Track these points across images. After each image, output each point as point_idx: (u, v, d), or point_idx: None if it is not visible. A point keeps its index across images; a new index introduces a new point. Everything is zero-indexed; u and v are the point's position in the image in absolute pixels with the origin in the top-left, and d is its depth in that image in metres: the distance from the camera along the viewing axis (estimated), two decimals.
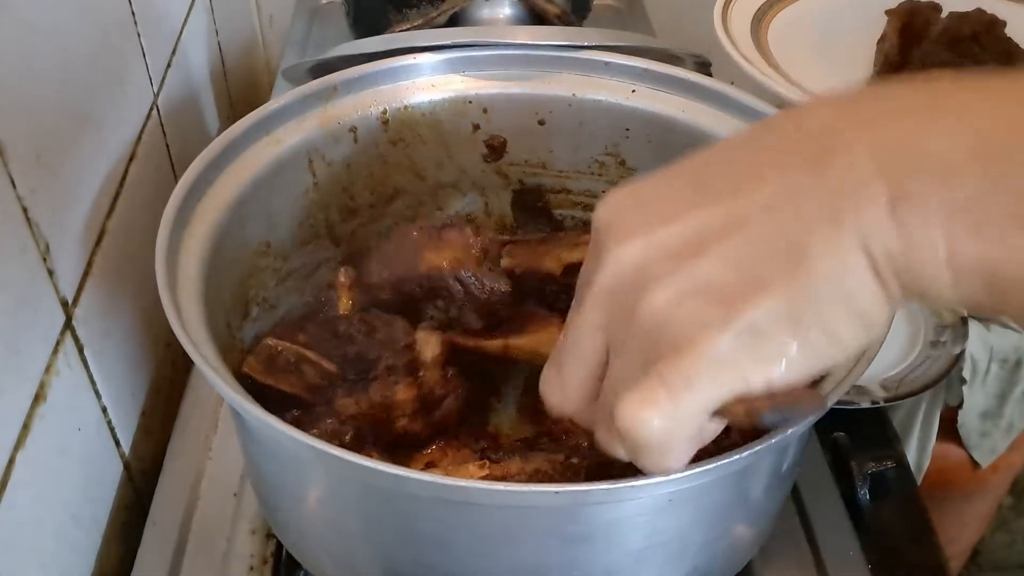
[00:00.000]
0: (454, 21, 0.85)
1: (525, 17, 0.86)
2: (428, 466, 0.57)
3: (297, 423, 0.46)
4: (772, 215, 0.31)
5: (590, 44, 0.66)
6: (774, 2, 0.89)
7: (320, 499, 0.49)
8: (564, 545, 0.44)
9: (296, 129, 0.62)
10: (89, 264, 0.61)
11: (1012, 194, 0.27)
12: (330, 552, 0.51)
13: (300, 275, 0.66)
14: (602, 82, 0.66)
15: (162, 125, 0.77)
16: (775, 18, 0.89)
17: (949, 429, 0.95)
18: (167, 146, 0.78)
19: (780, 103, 0.79)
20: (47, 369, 0.54)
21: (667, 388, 0.32)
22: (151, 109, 0.75)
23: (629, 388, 0.33)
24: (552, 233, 0.72)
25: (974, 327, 0.89)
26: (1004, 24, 0.74)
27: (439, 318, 0.62)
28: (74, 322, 0.58)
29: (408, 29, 0.83)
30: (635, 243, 0.33)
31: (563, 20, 0.87)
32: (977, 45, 0.73)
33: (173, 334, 0.45)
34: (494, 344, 0.60)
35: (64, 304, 0.57)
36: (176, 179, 0.54)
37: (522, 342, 0.59)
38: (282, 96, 0.61)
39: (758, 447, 0.40)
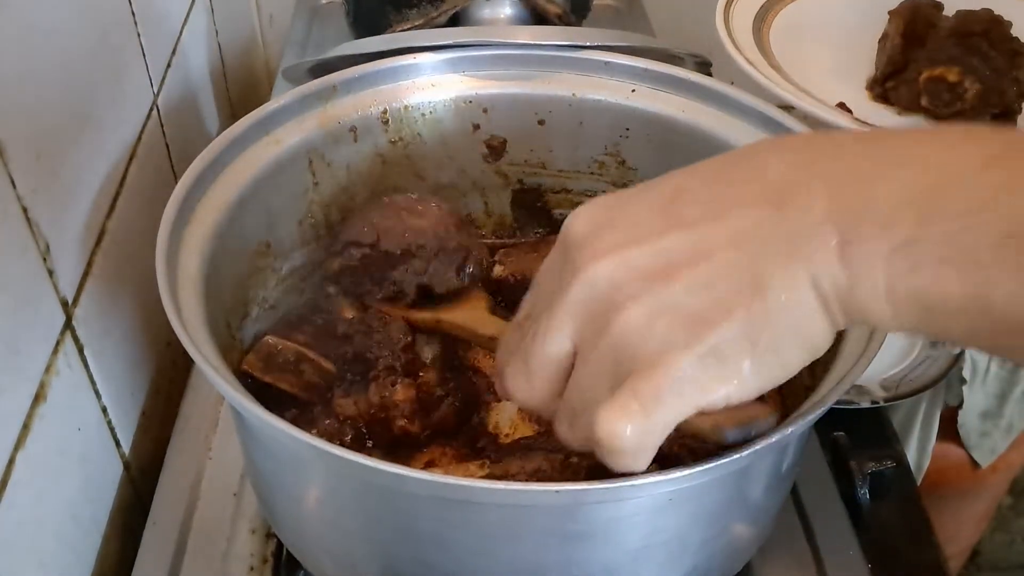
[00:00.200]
0: (454, 21, 0.85)
1: (525, 17, 0.86)
2: (428, 465, 0.57)
3: (296, 422, 0.46)
4: (736, 249, 0.35)
5: (590, 44, 0.66)
6: (776, 1, 0.89)
7: (320, 498, 0.49)
8: (564, 544, 0.44)
9: (296, 129, 0.62)
10: (89, 264, 0.61)
11: (938, 241, 0.32)
12: (330, 551, 0.51)
13: (300, 275, 0.66)
14: (602, 82, 0.66)
15: (162, 125, 0.77)
16: (777, 17, 0.88)
17: (949, 429, 0.95)
18: (167, 146, 0.78)
19: (781, 104, 0.79)
20: (47, 369, 0.54)
21: (640, 402, 0.35)
22: (151, 109, 0.75)
23: (602, 400, 0.37)
24: (544, 237, 0.72)
25: None
26: (1010, 24, 0.75)
27: (410, 282, 0.61)
28: (74, 322, 0.58)
29: (408, 29, 0.83)
30: (609, 261, 0.36)
31: (563, 20, 0.87)
32: (986, 41, 0.73)
33: (173, 334, 0.45)
34: (425, 316, 0.61)
35: (64, 304, 0.57)
36: (176, 179, 0.54)
37: (453, 317, 0.60)
38: (282, 96, 0.61)
39: (758, 447, 0.40)
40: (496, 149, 0.70)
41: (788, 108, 0.71)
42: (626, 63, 0.65)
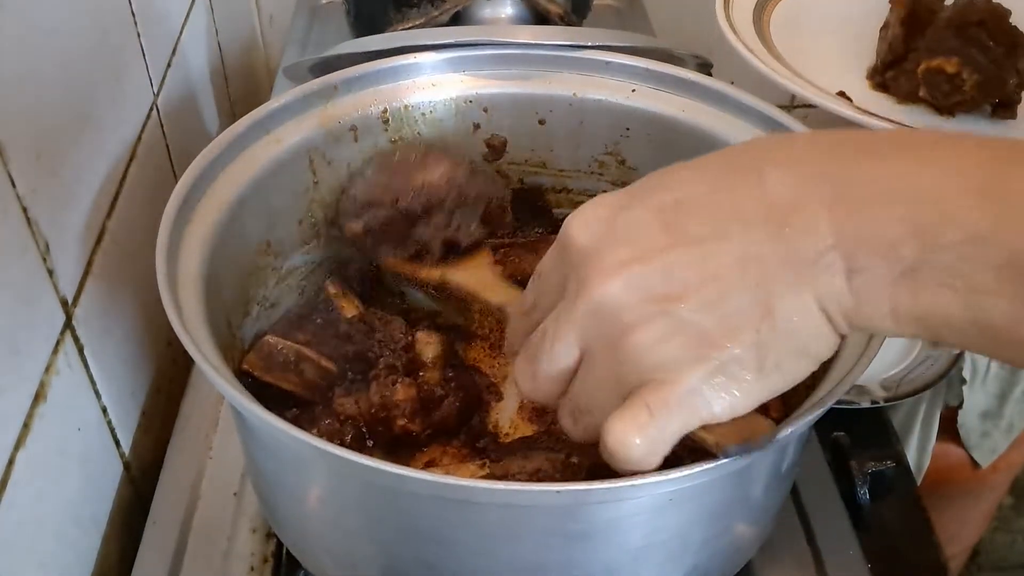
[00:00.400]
0: (455, 20, 0.85)
1: (526, 17, 0.86)
2: (428, 465, 0.57)
3: (296, 422, 0.46)
4: (743, 270, 0.36)
5: (591, 44, 0.66)
6: None
7: (320, 498, 0.49)
8: (564, 543, 0.44)
9: (296, 128, 0.62)
10: (89, 264, 0.61)
11: (940, 269, 0.33)
12: (330, 551, 0.51)
13: (300, 274, 0.66)
14: (602, 82, 0.66)
15: (162, 125, 0.77)
16: (778, 6, 0.88)
17: (949, 429, 0.95)
18: (167, 146, 0.78)
19: (784, 95, 0.78)
20: (47, 369, 0.54)
21: (651, 414, 0.37)
22: (151, 109, 0.75)
23: (609, 405, 0.38)
24: (544, 236, 0.72)
25: None
26: (1009, 13, 0.74)
27: (435, 238, 0.61)
28: (74, 322, 0.58)
29: (409, 28, 0.83)
30: (616, 281, 0.37)
31: (564, 20, 0.87)
32: (984, 32, 0.73)
33: (173, 333, 0.45)
34: (432, 275, 0.60)
35: (64, 304, 0.57)
36: (176, 179, 0.54)
37: (459, 277, 0.60)
38: (282, 95, 0.61)
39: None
40: (496, 148, 0.70)
41: (788, 107, 0.71)
42: (626, 63, 0.65)
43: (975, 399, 0.95)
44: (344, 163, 0.65)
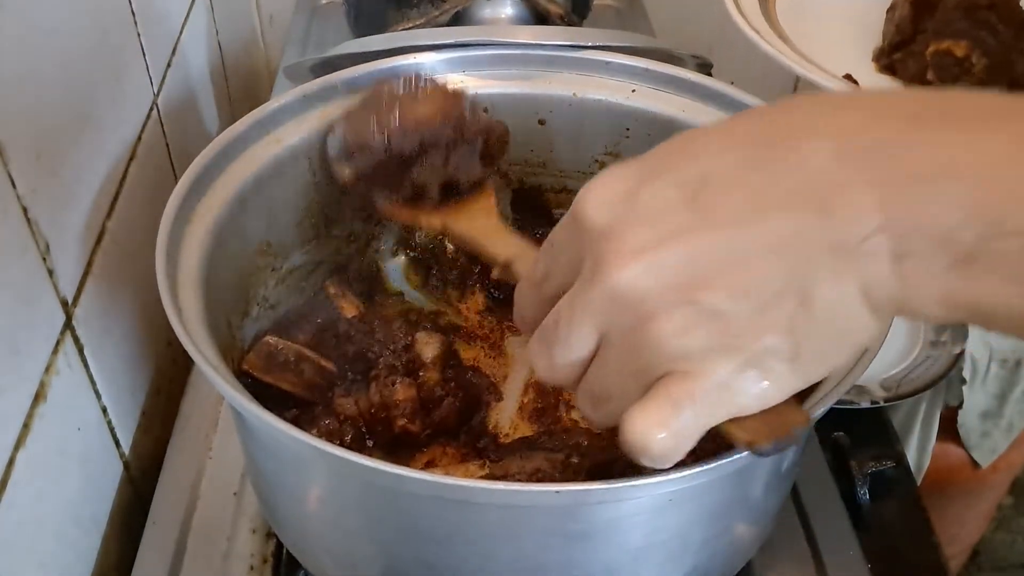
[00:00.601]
0: (456, 20, 0.85)
1: (526, 17, 0.86)
2: (428, 465, 0.57)
3: (296, 422, 0.46)
4: (778, 257, 0.33)
5: (591, 44, 0.66)
6: None
7: (320, 498, 0.49)
8: (564, 544, 0.44)
9: (297, 128, 0.61)
10: (89, 264, 0.61)
11: (997, 258, 0.30)
12: (330, 551, 0.51)
13: (300, 274, 0.66)
14: (602, 82, 0.66)
15: (162, 125, 0.77)
16: None
17: (949, 429, 0.95)
18: (167, 146, 0.78)
19: (793, 78, 0.77)
20: (47, 369, 0.54)
21: (675, 407, 0.35)
22: (151, 109, 0.75)
23: (630, 395, 0.36)
24: (542, 238, 0.72)
25: (974, 327, 0.89)
26: None
27: (432, 180, 0.57)
28: (74, 322, 0.58)
29: (409, 28, 0.83)
30: (638, 267, 0.34)
31: (564, 20, 0.87)
32: (994, 15, 0.72)
33: (173, 333, 0.45)
34: (432, 221, 0.57)
35: (64, 304, 0.57)
36: (176, 179, 0.54)
37: (461, 226, 0.56)
38: (283, 95, 0.61)
39: None
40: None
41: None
42: (626, 63, 0.65)
43: (975, 399, 0.95)
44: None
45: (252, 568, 0.59)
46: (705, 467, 0.40)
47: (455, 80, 0.67)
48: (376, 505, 0.46)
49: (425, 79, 0.59)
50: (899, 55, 0.78)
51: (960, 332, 0.85)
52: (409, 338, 0.62)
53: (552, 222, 0.73)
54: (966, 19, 0.73)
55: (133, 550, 0.60)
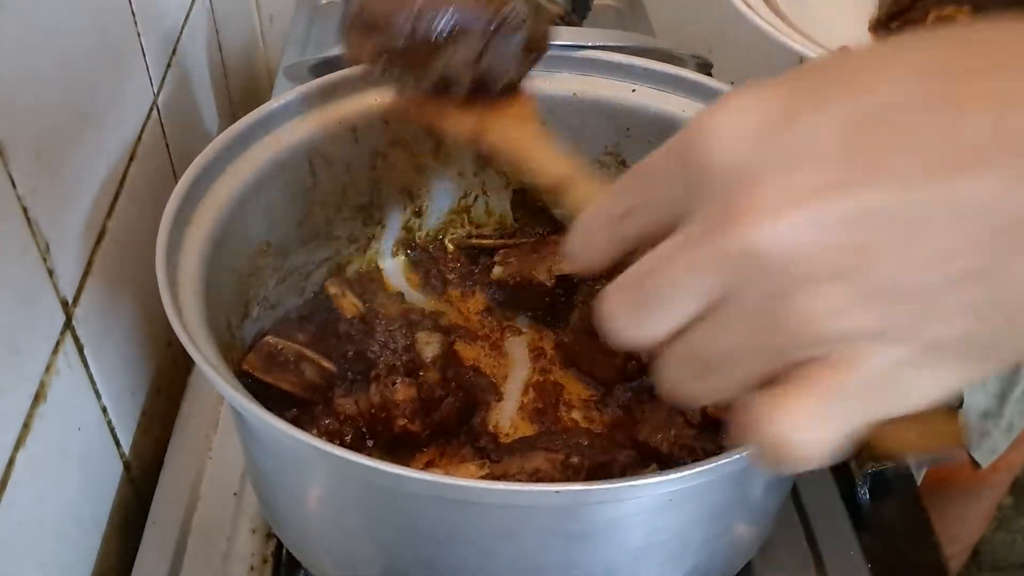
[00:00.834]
0: None
1: None
2: (428, 465, 0.57)
3: (296, 422, 0.46)
4: (968, 225, 0.26)
5: (591, 44, 0.66)
6: None
7: (320, 498, 0.49)
8: (564, 544, 0.44)
9: (296, 129, 0.61)
10: (89, 264, 0.61)
11: None
12: (330, 551, 0.51)
13: (300, 274, 0.66)
14: (602, 82, 0.66)
15: (162, 125, 0.77)
16: None
17: None
18: (167, 146, 0.78)
19: (792, 55, 0.76)
20: (47, 369, 0.54)
21: (824, 404, 0.28)
22: (151, 109, 0.75)
23: (751, 377, 0.29)
24: (542, 238, 0.73)
25: None
26: None
27: (464, 70, 0.49)
28: (74, 322, 0.58)
29: None
30: (788, 223, 0.27)
31: (564, 20, 0.87)
32: None
33: (173, 333, 0.45)
34: (463, 124, 0.49)
35: (64, 304, 0.57)
36: (176, 179, 0.54)
37: (497, 135, 0.49)
38: (283, 95, 0.61)
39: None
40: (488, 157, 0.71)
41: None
42: (626, 63, 0.65)
43: (975, 399, 0.95)
44: (344, 163, 0.65)
45: (252, 568, 0.59)
46: (705, 467, 0.40)
47: None
48: (376, 505, 0.46)
49: None
50: (896, 23, 0.74)
51: None
52: (409, 338, 0.62)
53: (552, 222, 0.73)
54: None
55: (133, 550, 0.60)
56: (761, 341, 0.29)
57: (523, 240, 0.73)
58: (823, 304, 0.27)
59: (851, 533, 0.61)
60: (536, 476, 0.52)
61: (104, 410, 0.62)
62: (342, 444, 0.55)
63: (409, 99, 0.50)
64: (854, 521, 0.62)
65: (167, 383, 0.74)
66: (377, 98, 0.65)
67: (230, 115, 1.02)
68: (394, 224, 0.71)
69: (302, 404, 0.59)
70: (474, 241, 0.74)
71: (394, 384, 0.57)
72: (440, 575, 0.47)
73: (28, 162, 0.52)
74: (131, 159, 0.69)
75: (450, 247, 0.73)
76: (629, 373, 0.63)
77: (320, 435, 0.55)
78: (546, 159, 0.46)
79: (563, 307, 0.67)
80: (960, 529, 1.11)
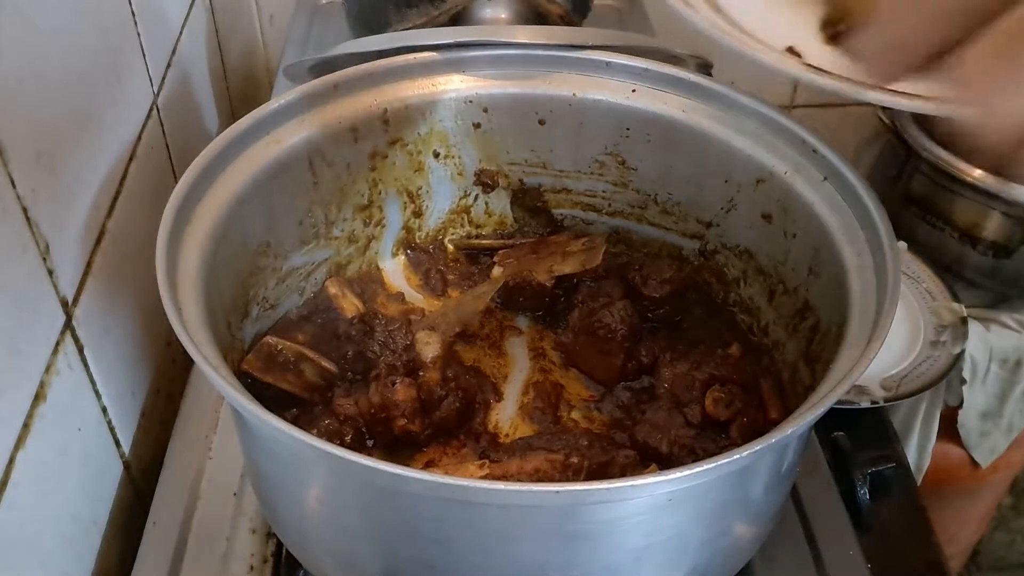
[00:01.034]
0: (455, 20, 0.85)
1: (526, 17, 0.86)
2: (428, 465, 0.57)
3: (296, 422, 0.46)
4: None
5: (591, 44, 0.66)
6: None
7: (320, 498, 0.49)
8: (564, 544, 0.44)
9: (297, 128, 0.62)
10: (89, 264, 0.61)
11: None
12: (330, 551, 0.51)
13: (300, 274, 0.66)
14: (603, 82, 0.66)
15: (162, 125, 0.77)
16: None
17: (949, 429, 0.95)
18: (167, 146, 0.78)
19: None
20: (47, 369, 0.54)
21: None
22: (151, 109, 0.75)
23: None
24: (543, 238, 0.73)
25: (974, 327, 0.89)
26: None
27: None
28: (74, 322, 0.58)
29: (409, 28, 0.83)
30: None
31: (564, 20, 0.87)
32: None
33: (173, 333, 0.45)
34: None
35: (64, 304, 0.57)
36: (176, 179, 0.54)
37: None
38: (282, 95, 0.61)
39: (758, 447, 0.40)
40: (488, 185, 0.71)
41: (788, 107, 0.68)
42: (626, 63, 0.65)
43: (975, 399, 0.95)
44: (344, 163, 0.65)
45: (252, 568, 0.59)
46: (705, 467, 0.40)
47: (455, 80, 0.67)
48: (376, 505, 0.46)
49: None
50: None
51: (960, 332, 0.85)
52: (409, 338, 0.62)
53: (552, 222, 0.73)
54: None
55: (133, 550, 0.60)
56: None
57: (523, 240, 0.73)
58: None
59: (851, 533, 0.61)
60: (536, 476, 0.52)
61: (104, 410, 0.62)
62: (342, 444, 0.55)
63: None
64: (854, 521, 0.62)
65: (167, 383, 0.74)
66: (377, 98, 0.65)
67: (230, 115, 1.02)
68: (394, 224, 0.71)
69: (302, 404, 0.59)
70: (474, 241, 0.74)
71: (394, 384, 0.57)
72: (440, 575, 0.47)
73: (28, 162, 0.52)
74: (131, 159, 0.69)
75: (450, 247, 0.73)
76: (629, 373, 0.63)
77: (320, 435, 0.55)
78: None
79: (563, 307, 0.67)
80: (960, 529, 1.11)
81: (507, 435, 0.60)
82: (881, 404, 0.75)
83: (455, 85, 0.67)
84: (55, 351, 0.55)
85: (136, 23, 0.72)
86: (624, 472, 0.53)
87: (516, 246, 0.72)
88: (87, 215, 0.61)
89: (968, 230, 1.00)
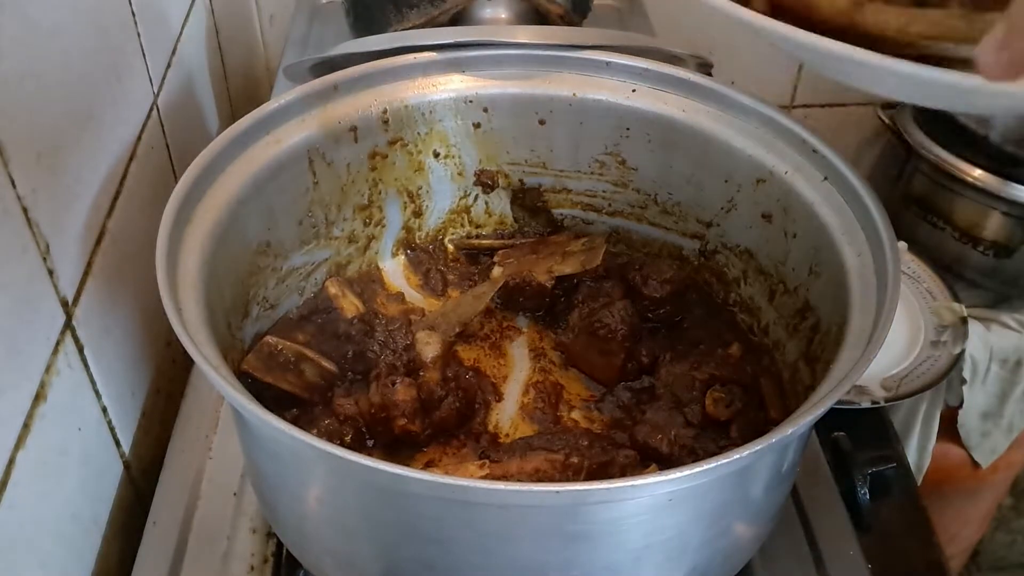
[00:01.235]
0: (455, 20, 0.85)
1: (526, 17, 0.86)
2: (428, 465, 0.57)
3: (296, 422, 0.46)
4: None
5: (591, 44, 0.66)
6: None
7: (320, 498, 0.49)
8: (564, 544, 0.44)
9: (296, 129, 0.62)
10: (89, 264, 0.61)
11: None
12: (330, 551, 0.51)
13: (300, 274, 0.66)
14: (602, 82, 0.66)
15: (162, 125, 0.77)
16: None
17: (949, 429, 0.96)
18: (167, 146, 0.78)
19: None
20: (47, 369, 0.54)
21: None
22: (151, 109, 0.75)
23: None
24: (543, 238, 0.73)
25: (974, 327, 0.89)
26: None
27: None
28: (74, 322, 0.58)
29: (409, 28, 0.83)
30: None
31: (564, 20, 0.87)
32: None
33: (173, 333, 0.45)
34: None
35: (64, 304, 0.57)
36: (176, 179, 0.54)
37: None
38: (282, 96, 0.61)
39: (758, 447, 0.40)
40: (488, 185, 0.71)
41: (788, 107, 0.69)
42: (626, 63, 0.65)
43: (975, 399, 0.95)
44: (344, 163, 0.65)
45: (252, 568, 0.59)
46: (705, 467, 0.40)
47: (455, 80, 0.67)
48: (376, 505, 0.46)
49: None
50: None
51: (960, 332, 0.85)
52: (409, 338, 0.62)
53: (552, 222, 0.73)
54: None
55: (133, 550, 0.60)
56: None
57: (523, 240, 0.73)
58: None
59: (851, 533, 0.61)
60: (536, 476, 0.52)
61: (104, 410, 0.62)
62: (342, 444, 0.55)
63: None
64: (854, 521, 0.62)
65: (167, 383, 0.74)
66: (377, 98, 0.65)
67: (230, 115, 1.02)
68: (394, 224, 0.71)
69: (302, 404, 0.59)
70: (474, 241, 0.74)
71: (394, 384, 0.57)
72: (440, 575, 0.47)
73: (28, 162, 0.52)
74: (131, 159, 0.69)
75: (450, 247, 0.73)
76: (629, 373, 0.63)
77: (320, 435, 0.55)
78: None
79: (563, 307, 0.67)
80: (960, 529, 1.11)
81: (507, 435, 0.60)
82: (881, 404, 0.75)
83: (455, 85, 0.67)
84: (55, 351, 0.55)
85: (136, 23, 0.72)
86: (624, 472, 0.53)
87: (516, 246, 0.72)
88: (87, 215, 0.61)
89: (968, 230, 1.00)
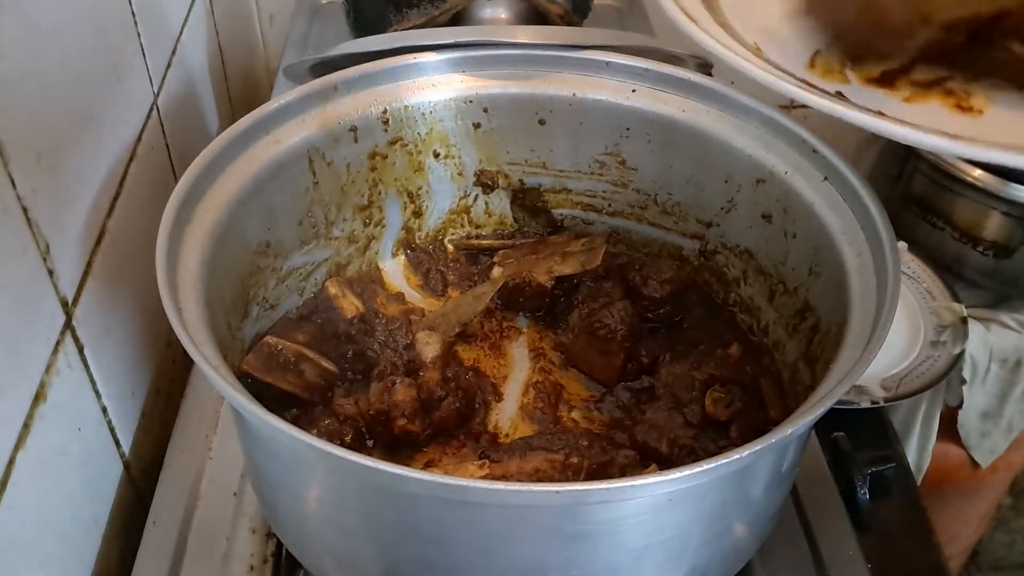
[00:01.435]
0: (455, 20, 0.85)
1: (526, 17, 0.86)
2: (428, 465, 0.57)
3: (296, 422, 0.46)
4: None
5: (591, 44, 0.66)
6: None
7: (320, 498, 0.49)
8: (564, 544, 0.44)
9: (296, 129, 0.62)
10: (89, 264, 0.61)
11: None
12: (330, 551, 0.51)
13: (300, 275, 0.66)
14: (602, 82, 0.66)
15: (162, 125, 0.77)
16: None
17: (949, 429, 0.95)
18: (167, 146, 0.78)
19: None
20: (47, 369, 0.54)
21: None
22: (151, 109, 0.75)
23: None
24: (543, 238, 0.73)
25: (974, 327, 0.89)
26: None
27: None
28: (74, 322, 0.58)
29: (409, 28, 0.83)
30: None
31: (564, 20, 0.87)
32: None
33: (173, 333, 0.45)
34: None
35: (64, 304, 0.57)
36: (176, 179, 0.54)
37: None
38: (282, 96, 0.61)
39: (758, 447, 0.41)
40: (488, 185, 0.71)
41: (788, 107, 0.67)
42: (626, 63, 0.65)
43: (975, 399, 0.95)
44: (344, 163, 0.65)
45: (252, 568, 0.59)
46: (705, 467, 0.40)
47: (455, 80, 0.67)
48: (376, 505, 0.46)
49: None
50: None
51: (960, 332, 0.85)
52: (409, 338, 0.62)
53: (552, 222, 0.73)
54: None
55: (133, 550, 0.60)
56: None
57: (523, 240, 0.73)
58: None
59: (851, 533, 0.61)
60: (536, 476, 0.52)
61: (104, 410, 0.62)
62: (342, 444, 0.55)
63: None
64: (854, 521, 0.62)
65: (167, 383, 0.74)
66: (377, 98, 0.65)
67: (230, 115, 1.02)
68: (394, 224, 0.71)
69: (302, 404, 0.59)
70: (474, 241, 0.74)
71: (394, 384, 0.57)
72: (440, 575, 0.47)
73: (28, 162, 0.52)
74: (131, 159, 0.69)
75: (450, 247, 0.73)
76: (629, 373, 0.63)
77: (320, 435, 0.55)
78: None
79: (563, 307, 0.67)
80: (960, 529, 1.11)
81: (507, 435, 0.60)
82: (881, 404, 0.75)
83: (455, 85, 0.67)
84: (55, 351, 0.55)
85: (136, 23, 0.72)
86: (624, 472, 0.53)
87: (516, 246, 0.72)
88: (87, 215, 0.61)
89: (968, 230, 1.00)
